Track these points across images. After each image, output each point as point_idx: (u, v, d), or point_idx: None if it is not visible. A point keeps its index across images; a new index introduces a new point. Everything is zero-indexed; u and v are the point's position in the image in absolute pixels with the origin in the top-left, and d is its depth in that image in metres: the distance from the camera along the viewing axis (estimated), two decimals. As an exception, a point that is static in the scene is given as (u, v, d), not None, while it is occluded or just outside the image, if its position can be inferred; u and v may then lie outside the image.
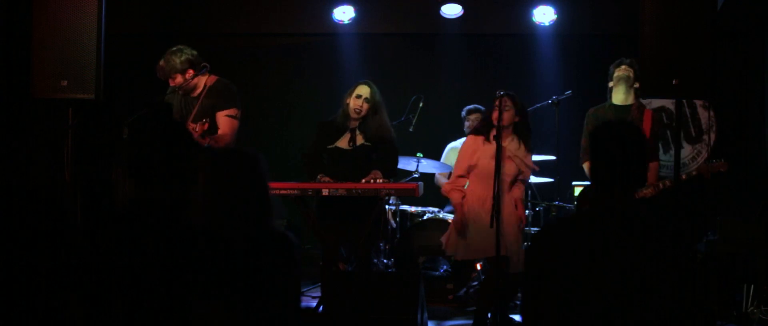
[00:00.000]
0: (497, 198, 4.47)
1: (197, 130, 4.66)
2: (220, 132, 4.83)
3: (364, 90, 5.07)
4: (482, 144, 4.75)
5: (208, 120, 4.69)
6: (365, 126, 5.08)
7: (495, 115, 4.68)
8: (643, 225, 2.28)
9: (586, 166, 5.12)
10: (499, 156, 4.58)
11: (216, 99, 4.90)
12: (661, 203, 4.77)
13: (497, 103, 4.66)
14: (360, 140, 5.08)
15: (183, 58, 4.88)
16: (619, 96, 5.05)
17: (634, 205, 2.35)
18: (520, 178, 4.79)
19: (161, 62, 4.92)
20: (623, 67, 5.03)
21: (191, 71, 4.89)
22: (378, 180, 4.84)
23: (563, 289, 2.25)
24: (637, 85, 5.00)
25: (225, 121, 4.86)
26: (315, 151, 5.17)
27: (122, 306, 2.00)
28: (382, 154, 5.07)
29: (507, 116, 4.66)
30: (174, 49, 4.94)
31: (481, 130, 4.83)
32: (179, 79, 4.89)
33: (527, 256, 2.44)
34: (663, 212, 4.82)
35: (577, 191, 6.15)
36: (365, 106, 5.04)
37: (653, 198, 4.79)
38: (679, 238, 2.26)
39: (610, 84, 5.08)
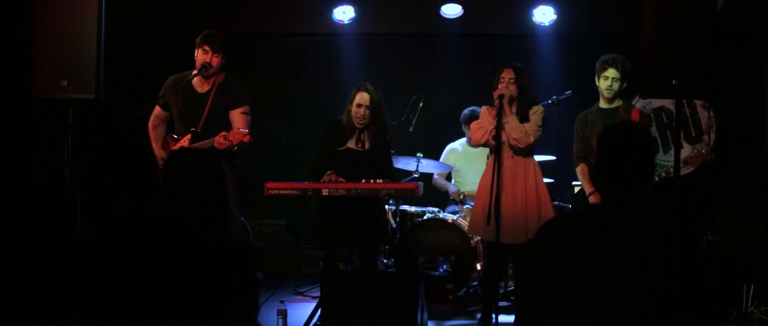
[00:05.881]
0: (498, 199, 4.47)
1: (223, 143, 4.61)
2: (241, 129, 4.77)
3: (363, 98, 5.03)
4: (490, 117, 4.81)
5: (245, 131, 4.67)
6: (370, 129, 5.09)
7: (501, 86, 4.74)
8: (647, 222, 2.28)
9: (578, 170, 5.09)
10: (499, 154, 4.58)
11: (229, 97, 4.88)
12: (656, 197, 4.75)
13: (501, 75, 4.76)
14: (369, 144, 5.10)
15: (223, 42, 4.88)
16: (605, 99, 5.05)
17: (640, 202, 2.35)
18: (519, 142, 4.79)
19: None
20: (610, 69, 5.00)
21: (221, 57, 4.85)
22: (378, 180, 4.85)
23: (564, 286, 2.24)
24: (624, 85, 4.99)
25: (242, 118, 4.85)
26: (326, 153, 5.15)
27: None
28: (376, 159, 5.08)
29: (512, 89, 4.72)
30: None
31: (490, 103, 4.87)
32: (213, 58, 4.84)
33: (527, 253, 2.45)
34: (659, 207, 4.80)
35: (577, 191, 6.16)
36: (367, 112, 5.03)
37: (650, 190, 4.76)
38: (681, 236, 2.26)
39: (598, 83, 5.07)
